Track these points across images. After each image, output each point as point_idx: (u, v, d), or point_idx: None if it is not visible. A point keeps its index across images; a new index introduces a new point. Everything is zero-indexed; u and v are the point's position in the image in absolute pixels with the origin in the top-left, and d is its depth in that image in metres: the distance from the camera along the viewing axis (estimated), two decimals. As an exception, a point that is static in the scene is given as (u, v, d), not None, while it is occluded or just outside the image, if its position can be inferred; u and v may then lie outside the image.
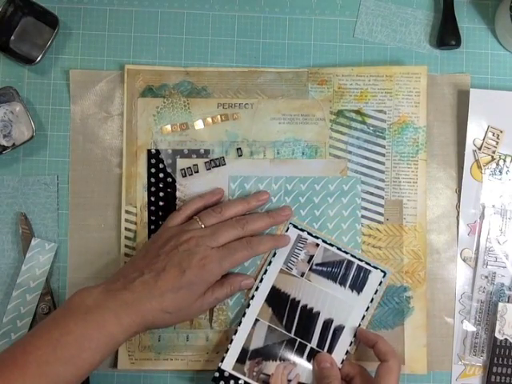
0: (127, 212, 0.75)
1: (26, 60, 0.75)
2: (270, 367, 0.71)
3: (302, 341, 0.72)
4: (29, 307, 0.73)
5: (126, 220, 0.75)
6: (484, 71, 0.78)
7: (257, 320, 0.72)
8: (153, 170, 0.75)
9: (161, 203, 0.75)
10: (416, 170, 0.76)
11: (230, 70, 0.76)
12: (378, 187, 0.75)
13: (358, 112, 0.76)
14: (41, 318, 0.73)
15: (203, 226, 0.69)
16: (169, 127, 0.75)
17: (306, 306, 0.73)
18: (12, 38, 0.76)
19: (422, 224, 0.75)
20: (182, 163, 0.75)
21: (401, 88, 0.76)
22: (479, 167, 0.76)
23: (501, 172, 0.76)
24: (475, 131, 0.76)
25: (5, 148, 0.73)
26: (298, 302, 0.73)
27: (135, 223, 0.75)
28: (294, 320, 0.72)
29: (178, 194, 0.75)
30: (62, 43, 0.77)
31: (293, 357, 0.71)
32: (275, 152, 0.75)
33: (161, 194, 0.75)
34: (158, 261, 0.66)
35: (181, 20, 0.77)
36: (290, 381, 0.70)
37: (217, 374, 0.70)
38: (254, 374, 0.71)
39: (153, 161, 0.75)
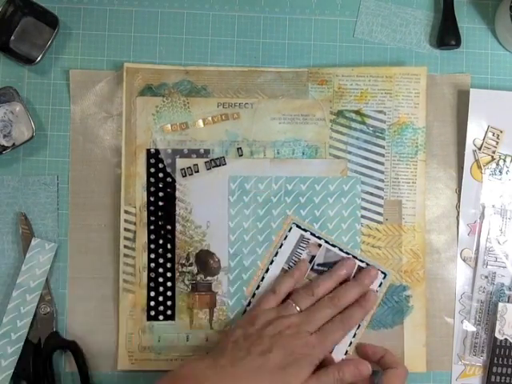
0: (126, 212, 0.74)
1: (26, 60, 0.75)
2: None
3: None
4: (29, 307, 0.73)
5: (126, 220, 0.74)
6: (484, 71, 0.78)
7: None
8: (152, 170, 0.75)
9: (160, 203, 0.75)
10: (415, 171, 0.75)
11: (230, 69, 0.76)
12: (377, 187, 0.75)
13: (357, 112, 0.76)
14: (41, 318, 0.73)
15: (298, 308, 0.70)
16: (168, 126, 0.75)
17: (306, 306, 0.73)
18: (12, 37, 0.76)
19: (421, 224, 0.75)
20: (181, 163, 0.75)
21: (400, 89, 0.76)
22: (479, 167, 0.76)
23: (501, 172, 0.76)
24: (475, 131, 0.76)
25: (5, 148, 0.73)
26: (299, 301, 0.73)
27: (134, 223, 0.75)
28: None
29: (177, 194, 0.75)
30: (62, 43, 0.77)
31: None
32: (275, 152, 0.75)
33: (160, 194, 0.75)
34: (263, 342, 0.66)
35: (181, 20, 0.77)
36: None
37: None
38: None
39: (152, 160, 0.75)
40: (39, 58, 0.74)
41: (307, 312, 0.70)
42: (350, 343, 0.73)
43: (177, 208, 0.75)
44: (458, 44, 0.77)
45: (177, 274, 0.74)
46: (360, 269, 0.74)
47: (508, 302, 0.74)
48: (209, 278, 0.75)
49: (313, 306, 0.70)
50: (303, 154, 0.76)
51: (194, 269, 0.75)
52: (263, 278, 0.74)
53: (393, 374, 0.69)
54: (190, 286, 0.75)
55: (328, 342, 0.69)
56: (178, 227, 0.75)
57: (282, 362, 0.65)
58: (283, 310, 0.70)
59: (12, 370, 0.72)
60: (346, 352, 0.72)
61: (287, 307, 0.70)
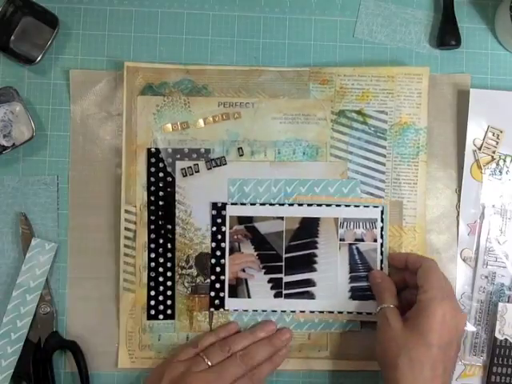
0: (127, 211, 0.74)
1: (26, 60, 0.75)
2: None
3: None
4: (29, 307, 0.73)
5: (126, 219, 0.74)
6: (484, 71, 0.78)
7: None
8: (153, 169, 0.75)
9: (161, 203, 0.75)
10: (416, 172, 0.75)
11: (231, 68, 0.76)
12: (378, 188, 0.75)
13: (359, 112, 0.76)
14: (41, 318, 0.73)
15: (209, 363, 0.68)
16: (169, 126, 0.75)
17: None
18: (12, 37, 0.76)
19: (422, 225, 0.75)
20: (182, 162, 0.75)
21: (402, 89, 0.76)
22: (479, 167, 0.76)
23: (501, 172, 0.76)
24: (475, 131, 0.76)
25: (5, 148, 0.73)
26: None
27: (135, 223, 0.74)
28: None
29: (177, 196, 0.75)
30: (62, 43, 0.77)
31: None
32: (276, 152, 0.75)
33: (160, 193, 0.75)
34: None
35: (181, 20, 0.77)
36: None
37: None
38: None
39: (153, 160, 0.75)
40: (39, 58, 0.74)
41: (218, 369, 0.68)
42: None
43: (176, 211, 0.74)
44: (458, 44, 0.77)
45: (176, 277, 0.74)
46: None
47: (508, 301, 0.74)
48: (208, 280, 0.75)
49: (224, 362, 0.69)
50: (304, 153, 0.76)
51: (194, 271, 0.75)
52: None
53: (422, 273, 0.68)
54: (190, 289, 0.75)
55: None
56: (178, 230, 0.74)
57: None
58: (194, 364, 0.68)
59: (12, 370, 0.72)
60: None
61: (198, 362, 0.68)
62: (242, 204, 0.75)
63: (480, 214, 0.76)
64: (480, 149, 0.76)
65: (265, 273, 0.75)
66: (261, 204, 0.75)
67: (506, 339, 0.73)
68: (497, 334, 0.73)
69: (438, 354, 0.64)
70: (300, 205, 0.75)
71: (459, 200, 0.76)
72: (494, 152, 0.76)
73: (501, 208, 0.75)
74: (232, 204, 0.75)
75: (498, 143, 0.76)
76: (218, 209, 0.75)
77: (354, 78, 0.76)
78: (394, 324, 0.66)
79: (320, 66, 0.76)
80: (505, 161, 0.76)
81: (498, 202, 0.75)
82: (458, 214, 0.76)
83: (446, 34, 0.77)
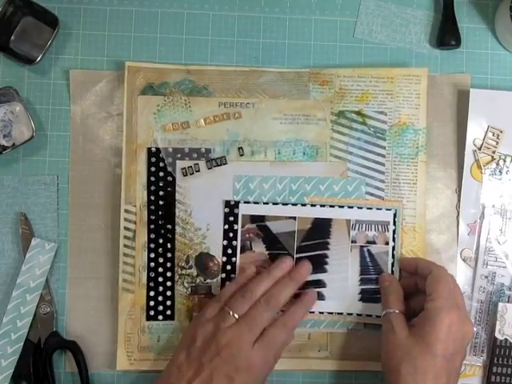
0: (126, 211, 0.74)
1: (26, 60, 0.75)
2: None
3: None
4: (29, 307, 0.73)
5: (126, 219, 0.74)
6: (484, 71, 0.78)
7: None
8: (153, 169, 0.75)
9: (161, 202, 0.75)
10: (416, 172, 0.75)
11: (232, 68, 0.76)
12: (377, 188, 0.75)
13: (358, 113, 0.76)
14: (41, 318, 0.73)
15: (236, 315, 0.68)
16: (169, 125, 0.75)
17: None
18: (12, 37, 0.76)
19: (421, 225, 0.75)
20: (182, 162, 0.75)
21: (401, 90, 0.76)
22: (479, 167, 0.76)
23: (501, 172, 0.76)
24: (475, 131, 0.76)
25: (5, 148, 0.73)
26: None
27: (134, 222, 0.74)
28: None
29: (177, 196, 0.75)
30: (62, 43, 0.77)
31: None
32: (276, 152, 0.75)
33: (161, 193, 0.75)
34: (203, 370, 0.65)
35: (181, 20, 0.77)
36: None
37: None
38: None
39: (153, 159, 0.75)
40: (39, 58, 0.74)
41: (246, 319, 0.68)
42: None
43: (176, 210, 0.74)
44: (458, 44, 0.77)
45: (176, 277, 0.74)
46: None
47: (508, 302, 0.74)
48: (208, 280, 0.75)
49: (251, 311, 0.68)
50: (304, 154, 0.76)
51: (194, 271, 0.75)
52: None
53: (431, 280, 0.68)
54: (190, 289, 0.75)
55: (271, 350, 0.68)
56: (178, 229, 0.74)
57: None
58: (221, 319, 0.68)
59: (12, 370, 0.72)
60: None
61: (224, 316, 0.68)
62: (255, 203, 0.75)
63: (480, 214, 0.76)
64: (480, 149, 0.76)
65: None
66: (273, 203, 0.75)
67: (505, 339, 0.73)
68: (497, 334, 0.73)
69: (443, 364, 0.64)
70: (313, 205, 0.75)
71: (459, 200, 0.76)
72: (494, 152, 0.76)
73: (501, 208, 0.75)
74: (245, 202, 0.75)
75: (497, 143, 0.76)
76: (231, 207, 0.75)
77: (353, 79, 0.76)
78: (398, 331, 0.66)
79: (320, 67, 0.76)
80: (505, 161, 0.76)
81: (498, 201, 0.75)
82: (458, 214, 0.76)
83: (446, 34, 0.77)
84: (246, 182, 0.75)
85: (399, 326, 0.67)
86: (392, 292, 0.71)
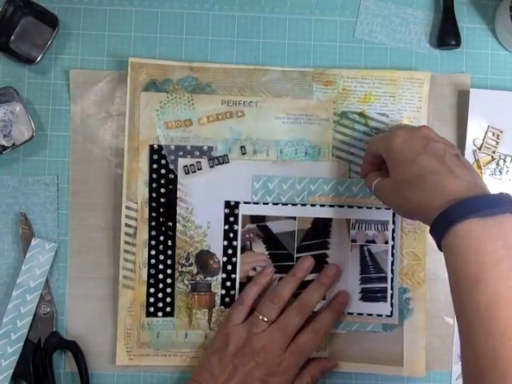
0: (128, 208, 0.74)
1: (26, 60, 0.75)
2: None
3: None
4: (29, 307, 0.73)
5: (127, 216, 0.74)
6: (484, 71, 0.78)
7: None
8: (155, 166, 0.75)
9: (162, 200, 0.75)
10: (416, 173, 0.75)
11: (235, 67, 0.76)
12: (378, 189, 0.75)
13: (361, 114, 0.76)
14: (41, 318, 0.73)
15: (266, 319, 0.69)
16: (172, 123, 0.75)
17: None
18: (12, 37, 0.76)
19: (422, 226, 0.75)
20: (184, 160, 0.75)
21: (404, 92, 0.76)
22: (479, 167, 0.76)
23: (501, 172, 0.76)
24: (475, 131, 0.76)
25: (5, 148, 0.73)
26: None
27: (136, 219, 0.74)
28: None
29: (178, 194, 0.75)
30: (62, 43, 0.77)
31: None
32: (278, 151, 0.75)
33: (162, 190, 0.75)
34: (237, 374, 0.67)
35: (181, 20, 0.77)
36: None
37: None
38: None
39: (155, 156, 0.75)
40: (39, 58, 0.74)
41: (278, 325, 0.69)
42: None
43: (178, 208, 0.74)
44: (457, 44, 0.76)
45: (176, 274, 0.74)
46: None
47: (508, 301, 0.74)
48: (208, 278, 0.75)
49: (283, 317, 0.70)
50: (306, 154, 0.76)
51: (194, 269, 0.75)
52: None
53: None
54: (190, 286, 0.75)
55: (303, 357, 0.70)
56: (179, 227, 0.74)
57: None
58: (253, 326, 0.69)
59: (12, 370, 0.72)
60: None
61: (256, 322, 0.70)
62: (255, 203, 0.75)
63: (480, 214, 0.75)
64: (480, 149, 0.76)
65: (276, 272, 0.75)
66: (273, 203, 0.75)
67: (506, 339, 0.73)
68: (497, 334, 0.73)
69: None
70: (312, 205, 0.75)
71: (459, 200, 0.76)
72: (494, 152, 0.76)
73: (501, 208, 0.75)
74: (245, 203, 0.75)
75: (497, 143, 0.76)
76: (231, 207, 0.75)
77: (356, 81, 0.76)
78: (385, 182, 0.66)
79: (323, 68, 0.76)
80: (505, 161, 0.76)
81: (498, 202, 0.75)
82: (459, 214, 0.76)
83: (446, 34, 0.77)
84: (265, 181, 0.75)
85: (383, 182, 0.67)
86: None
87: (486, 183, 0.61)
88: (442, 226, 0.56)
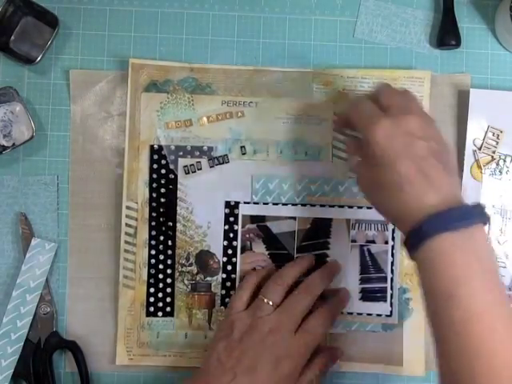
0: (128, 208, 0.74)
1: (26, 60, 0.75)
2: None
3: None
4: (29, 307, 0.73)
5: (127, 216, 0.74)
6: (484, 71, 0.78)
7: None
8: (155, 166, 0.75)
9: (162, 200, 0.75)
10: (417, 172, 0.75)
11: (235, 67, 0.76)
12: (379, 188, 0.75)
13: (361, 114, 0.76)
14: (41, 318, 0.73)
15: (271, 303, 0.68)
16: (172, 123, 0.75)
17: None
18: (12, 37, 0.76)
19: (422, 225, 0.75)
20: (184, 160, 0.75)
21: (404, 92, 0.76)
22: (479, 167, 0.76)
23: (501, 172, 0.76)
24: (475, 131, 0.76)
25: (5, 148, 0.73)
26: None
27: (136, 219, 0.74)
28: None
29: (178, 194, 0.75)
30: (62, 43, 0.77)
31: None
32: (278, 151, 0.75)
33: (162, 190, 0.75)
34: (246, 357, 0.65)
35: (181, 20, 0.77)
36: None
37: None
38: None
39: (155, 157, 0.75)
40: (39, 58, 0.74)
41: (285, 308, 0.68)
42: None
43: (178, 208, 0.75)
44: (457, 44, 0.76)
45: (176, 274, 0.74)
46: None
47: (508, 301, 0.74)
48: (208, 278, 0.75)
49: (289, 300, 0.69)
50: (306, 154, 0.76)
51: (194, 269, 0.75)
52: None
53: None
54: (190, 286, 0.75)
55: (312, 341, 0.68)
56: (179, 227, 0.74)
57: (269, 375, 0.65)
58: (258, 309, 0.68)
59: (12, 370, 0.72)
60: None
61: (260, 305, 0.68)
62: (255, 203, 0.75)
63: (480, 214, 0.75)
64: (480, 149, 0.76)
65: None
66: (273, 204, 0.75)
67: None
68: (497, 334, 0.73)
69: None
70: (312, 205, 0.75)
71: (459, 200, 0.76)
72: (494, 152, 0.76)
73: (501, 208, 0.75)
74: (245, 203, 0.75)
75: (498, 143, 0.76)
76: (231, 207, 0.75)
77: (357, 80, 0.76)
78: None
79: (323, 68, 0.76)
80: (505, 161, 0.76)
81: (498, 202, 0.75)
82: (459, 214, 0.76)
83: (446, 34, 0.77)
84: (264, 182, 0.75)
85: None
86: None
87: (462, 188, 0.61)
88: (415, 240, 0.55)
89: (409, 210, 0.56)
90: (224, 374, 0.65)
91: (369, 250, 0.75)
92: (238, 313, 0.69)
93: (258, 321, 0.67)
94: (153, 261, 0.74)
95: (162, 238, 0.74)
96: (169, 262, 0.74)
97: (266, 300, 0.68)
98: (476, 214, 0.55)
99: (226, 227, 0.75)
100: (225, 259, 0.75)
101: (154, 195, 0.75)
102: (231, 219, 0.75)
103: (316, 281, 0.71)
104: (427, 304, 0.56)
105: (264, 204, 0.75)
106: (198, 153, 0.75)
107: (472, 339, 0.51)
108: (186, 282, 0.75)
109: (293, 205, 0.75)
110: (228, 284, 0.75)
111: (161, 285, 0.74)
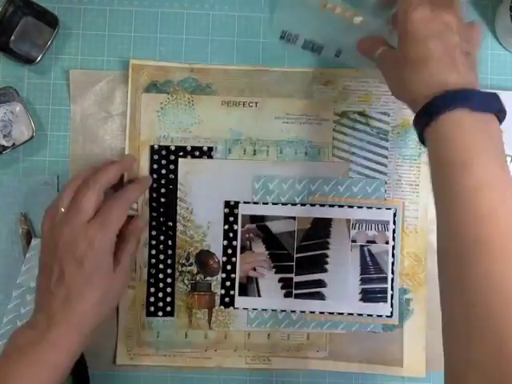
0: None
1: (26, 60, 0.75)
2: None
3: None
4: (29, 307, 0.73)
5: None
6: (484, 71, 0.78)
7: None
8: (155, 166, 0.75)
9: (162, 200, 0.75)
10: (418, 173, 0.75)
11: (235, 67, 0.76)
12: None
13: (361, 114, 0.76)
14: (41, 318, 0.73)
15: (63, 209, 0.66)
16: (172, 123, 0.75)
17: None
18: (12, 37, 0.76)
19: (423, 226, 0.75)
20: (184, 160, 0.75)
21: (405, 91, 0.76)
22: (479, 167, 0.75)
23: (501, 172, 0.75)
24: (475, 131, 0.75)
25: (5, 148, 0.73)
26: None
27: (136, 219, 0.75)
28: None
29: (178, 194, 0.75)
30: (61, 43, 0.76)
31: None
32: (278, 151, 0.75)
33: (162, 190, 0.75)
34: (53, 268, 0.64)
35: (181, 20, 0.77)
36: None
37: None
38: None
39: (155, 157, 0.75)
40: (39, 58, 0.74)
41: (74, 201, 0.66)
42: None
43: (178, 208, 0.75)
44: (458, 44, 0.76)
45: (176, 274, 0.75)
46: None
47: (508, 301, 0.74)
48: (208, 278, 0.75)
49: (78, 197, 0.65)
50: (306, 154, 0.76)
51: (194, 269, 0.75)
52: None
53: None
54: (190, 286, 0.75)
55: (111, 222, 0.66)
56: (179, 227, 0.75)
57: (81, 277, 0.63)
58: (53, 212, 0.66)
59: (12, 371, 0.72)
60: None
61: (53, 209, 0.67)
62: (255, 203, 0.75)
63: (480, 214, 0.75)
64: (480, 149, 0.75)
65: (275, 272, 0.75)
66: (273, 203, 0.75)
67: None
68: (497, 334, 0.73)
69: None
70: (312, 205, 0.75)
71: (459, 200, 0.76)
72: (494, 152, 0.75)
73: (501, 208, 0.75)
74: (245, 203, 0.75)
75: (498, 143, 0.75)
76: (231, 207, 0.75)
77: (357, 80, 0.76)
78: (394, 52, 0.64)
79: (323, 68, 0.76)
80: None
81: (498, 202, 0.75)
82: (459, 214, 0.76)
83: (446, 34, 0.76)
84: (264, 181, 0.75)
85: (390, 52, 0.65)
86: (374, 39, 0.68)
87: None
88: (433, 111, 0.56)
89: (429, 85, 0.57)
90: (44, 295, 0.64)
91: (369, 251, 0.75)
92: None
93: (54, 230, 0.65)
94: (153, 261, 0.74)
95: (162, 237, 0.75)
96: (169, 261, 0.75)
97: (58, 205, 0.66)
98: (495, 104, 0.56)
99: (226, 227, 0.75)
100: (225, 259, 0.75)
101: (154, 195, 0.75)
102: (231, 219, 0.75)
103: (101, 174, 0.68)
104: (436, 176, 0.56)
105: (264, 204, 0.75)
106: (197, 153, 0.75)
107: (482, 206, 0.52)
108: (186, 281, 0.75)
109: (292, 205, 0.75)
110: (228, 284, 0.75)
111: (161, 284, 0.74)
